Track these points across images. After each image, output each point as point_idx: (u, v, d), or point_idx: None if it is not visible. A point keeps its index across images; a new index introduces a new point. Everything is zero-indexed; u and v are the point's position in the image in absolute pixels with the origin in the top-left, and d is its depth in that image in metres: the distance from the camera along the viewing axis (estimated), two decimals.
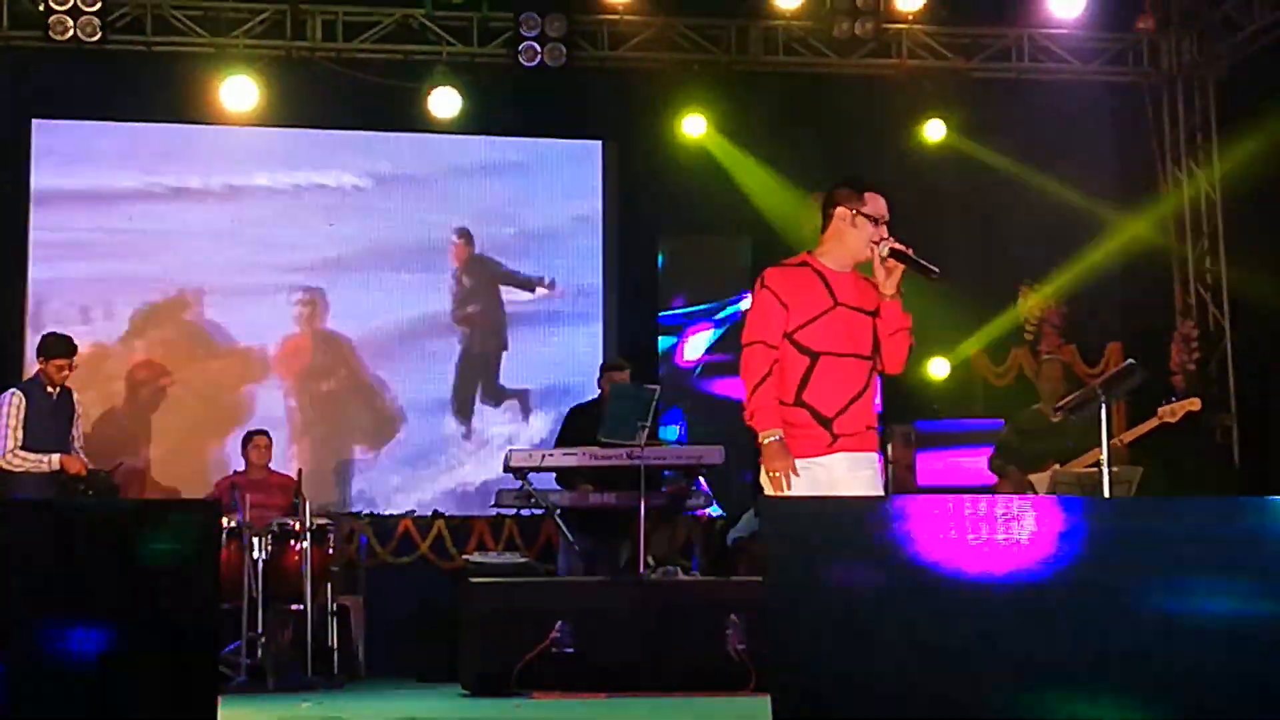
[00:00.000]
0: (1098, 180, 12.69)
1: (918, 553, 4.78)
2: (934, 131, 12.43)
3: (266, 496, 10.05)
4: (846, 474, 5.66)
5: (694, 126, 12.34)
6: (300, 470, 10.04)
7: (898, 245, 5.72)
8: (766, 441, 5.62)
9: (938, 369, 12.50)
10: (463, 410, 12.45)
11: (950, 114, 12.41)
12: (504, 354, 12.56)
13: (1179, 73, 12.66)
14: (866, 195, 5.83)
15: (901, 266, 5.72)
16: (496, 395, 12.49)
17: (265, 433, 10.73)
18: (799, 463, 5.63)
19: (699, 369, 12.71)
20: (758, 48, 12.38)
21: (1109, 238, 12.61)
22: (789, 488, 5.53)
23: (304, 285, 12.33)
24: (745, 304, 12.37)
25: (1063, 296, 12.57)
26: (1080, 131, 12.68)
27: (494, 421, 12.45)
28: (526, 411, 12.48)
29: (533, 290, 12.63)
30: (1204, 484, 11.57)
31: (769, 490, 5.56)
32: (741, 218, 12.56)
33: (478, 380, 12.51)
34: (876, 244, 5.74)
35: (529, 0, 11.79)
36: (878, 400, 6.03)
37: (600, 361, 11.41)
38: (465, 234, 12.55)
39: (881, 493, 5.94)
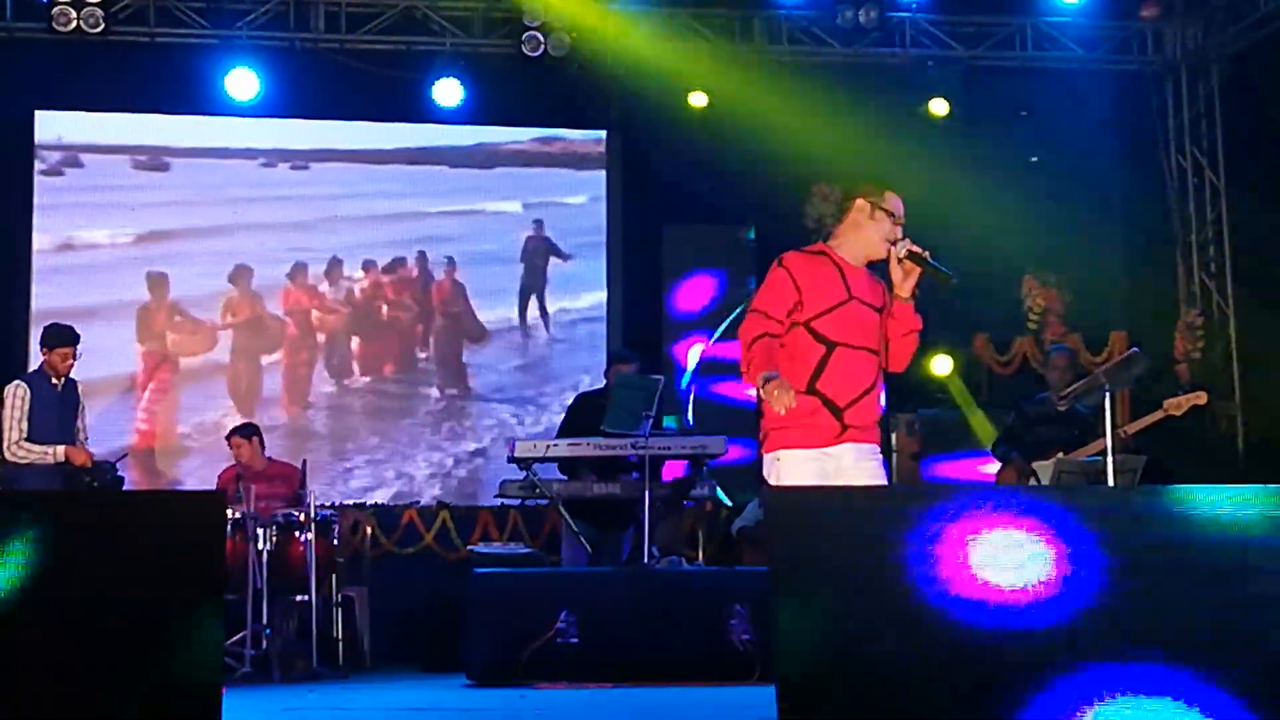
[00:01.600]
0: (1102, 168, 12.68)
1: (925, 545, 4.79)
2: (938, 109, 12.41)
3: (271, 487, 10.02)
4: (853, 464, 5.66)
5: (698, 115, 12.32)
6: (305, 461, 10.03)
7: (915, 248, 5.71)
8: (766, 380, 5.57)
9: (940, 366, 12.46)
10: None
11: (953, 102, 12.40)
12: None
13: (1183, 60, 12.65)
14: (886, 193, 5.84)
15: (918, 269, 5.71)
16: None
17: (242, 433, 10.42)
18: (808, 453, 5.62)
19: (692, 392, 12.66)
20: (762, 37, 12.37)
21: (1113, 226, 12.61)
22: (793, 403, 5.52)
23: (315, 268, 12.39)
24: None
25: (1067, 285, 12.56)
26: (1084, 119, 12.66)
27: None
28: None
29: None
30: (1208, 472, 11.56)
31: (776, 409, 5.53)
32: (746, 207, 12.55)
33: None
34: (894, 244, 5.73)
35: None
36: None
37: (604, 350, 11.44)
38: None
39: (886, 482, 5.92)
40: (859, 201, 5.82)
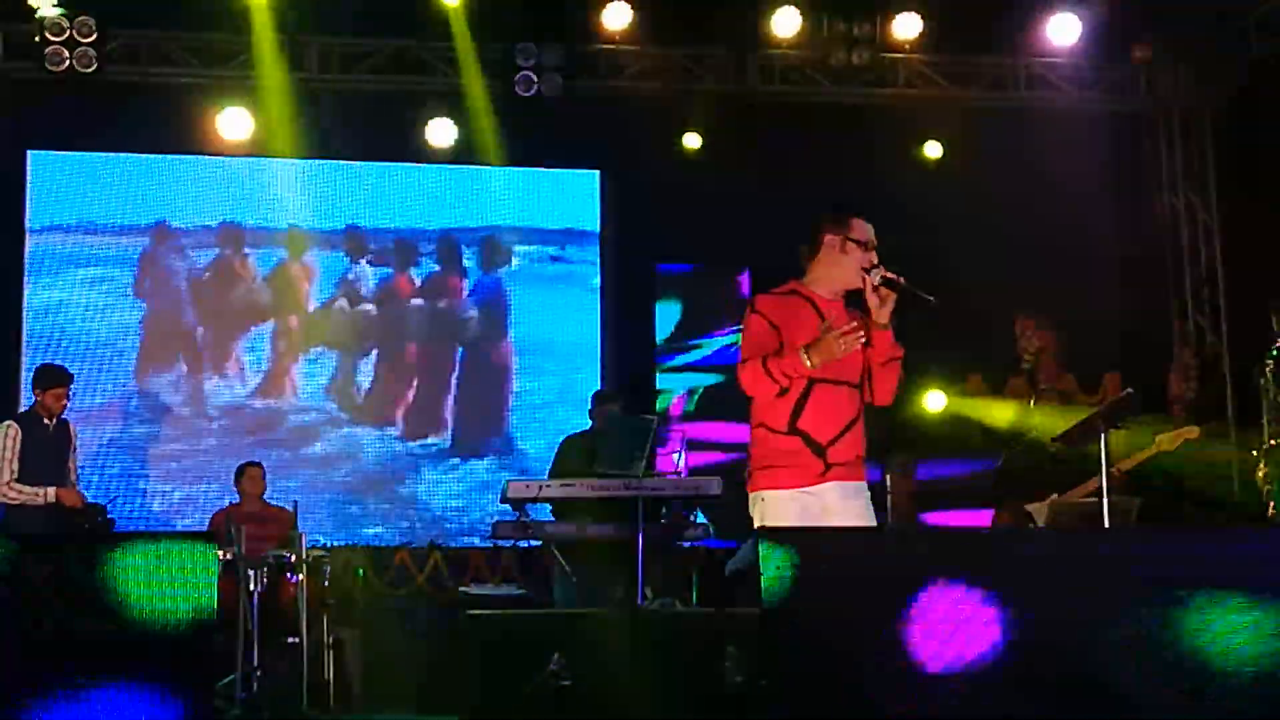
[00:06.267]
0: (1095, 209, 12.68)
1: (919, 583, 4.76)
2: (932, 150, 12.41)
3: (262, 529, 9.99)
4: (838, 503, 5.60)
5: (692, 155, 12.31)
6: (296, 503, 9.98)
7: (890, 274, 5.66)
8: (806, 355, 5.51)
9: (934, 402, 12.42)
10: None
11: (947, 142, 12.40)
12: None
13: (1176, 101, 12.66)
14: (853, 221, 5.78)
15: (894, 295, 5.66)
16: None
17: (259, 464, 10.67)
18: (791, 493, 5.57)
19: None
20: (755, 77, 12.37)
21: (1107, 266, 12.60)
22: (861, 334, 5.50)
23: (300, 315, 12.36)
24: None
25: (1060, 326, 12.53)
26: (1077, 160, 12.65)
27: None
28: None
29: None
30: (1204, 513, 11.52)
31: (855, 343, 5.50)
32: (740, 247, 12.53)
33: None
34: (868, 271, 5.68)
35: (525, 30, 11.78)
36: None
37: (595, 391, 11.39)
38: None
39: (874, 522, 5.85)
40: (828, 237, 5.78)
